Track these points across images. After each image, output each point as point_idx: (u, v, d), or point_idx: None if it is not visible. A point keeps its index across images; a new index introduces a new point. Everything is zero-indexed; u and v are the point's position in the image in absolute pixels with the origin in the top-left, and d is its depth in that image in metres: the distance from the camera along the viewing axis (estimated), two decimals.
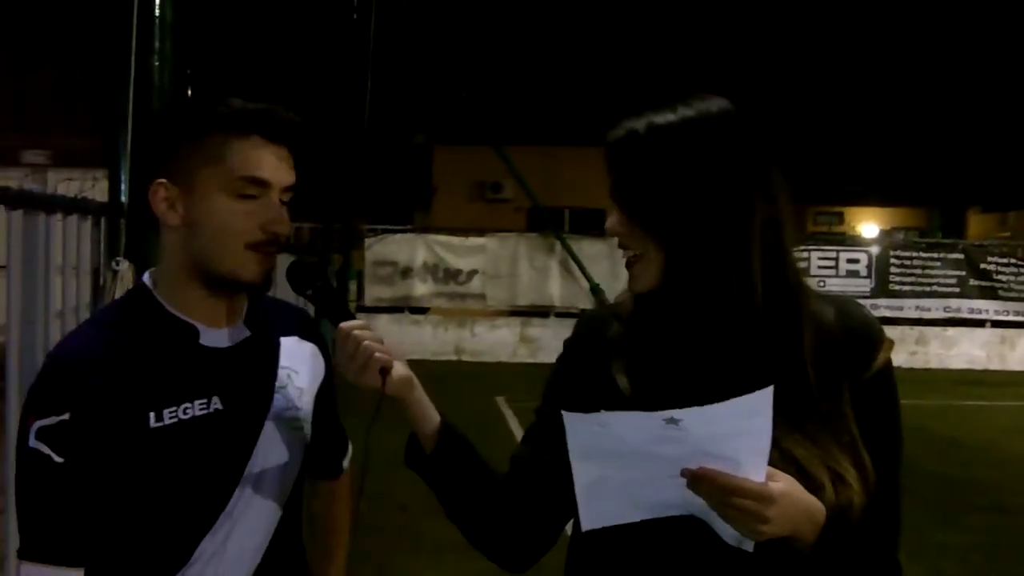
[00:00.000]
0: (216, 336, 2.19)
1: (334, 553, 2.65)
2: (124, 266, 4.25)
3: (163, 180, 2.10)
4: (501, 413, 13.09)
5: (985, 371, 19.66)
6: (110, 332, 2.13)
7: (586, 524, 1.86)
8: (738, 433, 1.73)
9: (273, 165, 2.10)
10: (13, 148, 12.00)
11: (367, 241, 19.84)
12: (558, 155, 28.91)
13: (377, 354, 2.01)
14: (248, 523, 2.19)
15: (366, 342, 2.01)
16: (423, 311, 20.00)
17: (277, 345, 2.32)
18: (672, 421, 1.71)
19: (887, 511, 1.95)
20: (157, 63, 4.68)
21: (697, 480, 1.74)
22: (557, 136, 29.81)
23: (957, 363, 20.10)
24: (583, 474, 1.82)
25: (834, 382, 1.93)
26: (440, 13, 22.83)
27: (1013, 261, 20.77)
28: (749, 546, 1.82)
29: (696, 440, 1.73)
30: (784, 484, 1.77)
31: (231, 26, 17.68)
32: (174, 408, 2.08)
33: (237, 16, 18.50)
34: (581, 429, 1.79)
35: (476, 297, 20.06)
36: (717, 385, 1.82)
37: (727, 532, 1.83)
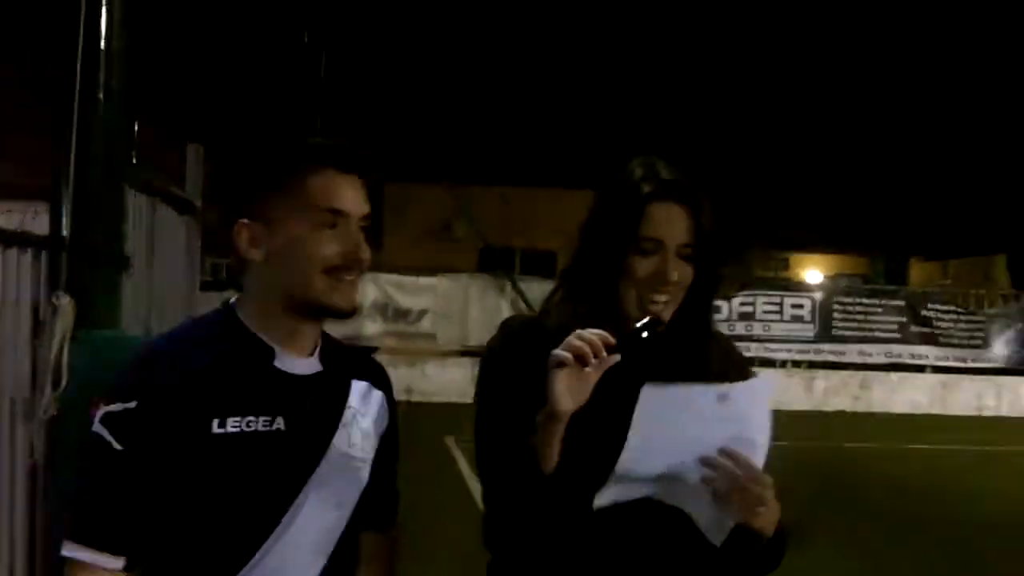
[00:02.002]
0: (291, 362, 2.27)
1: None
2: (64, 300, 4.16)
3: (244, 220, 2.21)
4: (451, 454, 13.03)
5: (927, 415, 19.84)
6: (190, 340, 2.25)
7: (602, 499, 2.09)
8: (759, 415, 2.14)
9: (350, 196, 2.21)
10: None
11: None
12: (510, 196, 29.01)
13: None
14: (298, 552, 2.21)
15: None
16: (373, 350, 19.85)
17: (348, 385, 2.38)
18: (723, 398, 2.10)
19: None
20: (102, 95, 4.59)
21: (719, 459, 2.06)
22: (509, 176, 29.93)
23: (899, 407, 20.27)
24: (637, 442, 2.06)
25: None
26: (391, 51, 22.87)
27: (953, 308, 21.20)
28: (717, 539, 2.13)
29: (738, 418, 2.10)
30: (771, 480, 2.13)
31: (178, 58, 17.59)
32: (238, 419, 2.15)
33: (185, 49, 18.40)
34: (655, 400, 2.06)
35: (426, 337, 20.01)
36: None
37: (707, 521, 2.13)
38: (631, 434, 2.06)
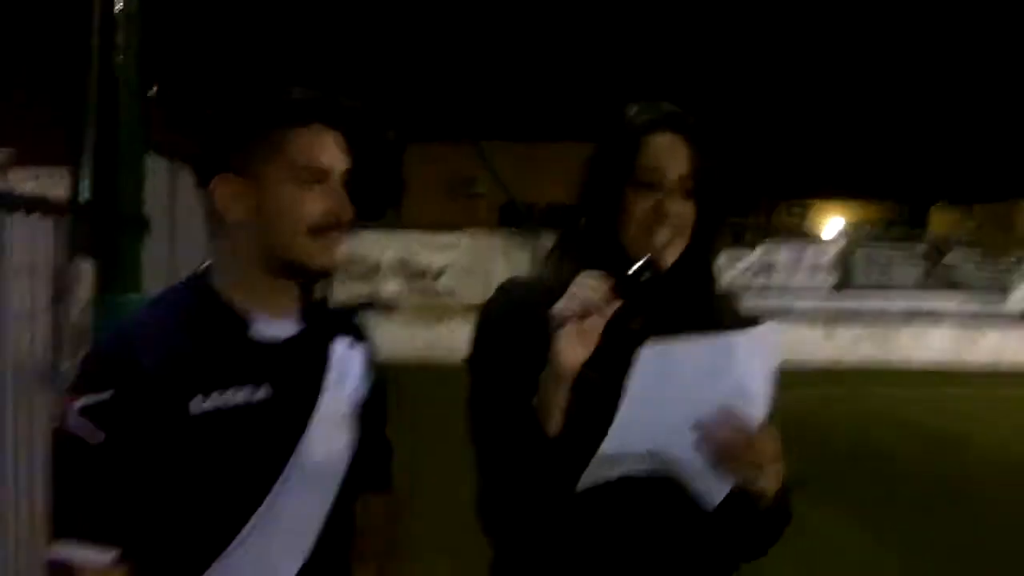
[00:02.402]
0: (269, 327, 2.19)
1: (390, 567, 2.60)
2: (86, 265, 4.18)
3: (227, 174, 2.12)
4: None
5: (949, 364, 19.73)
6: (161, 319, 2.15)
7: (587, 480, 2.00)
8: (763, 366, 2.00)
9: (333, 152, 2.15)
10: None
11: None
12: (531, 151, 28.89)
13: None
14: (291, 521, 2.18)
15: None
16: (393, 308, 19.88)
17: (329, 346, 2.32)
18: (726, 347, 1.97)
19: None
20: (121, 58, 4.59)
21: (717, 422, 1.96)
22: (531, 132, 29.80)
23: (921, 356, 20.17)
24: (632, 408, 1.94)
25: None
26: (412, 7, 22.77)
27: (977, 254, 20.87)
28: (712, 502, 2.04)
29: (736, 371, 1.97)
30: (774, 436, 2.02)
31: (197, 20, 17.55)
32: (218, 394, 2.08)
33: (203, 10, 18.36)
34: (655, 360, 1.93)
35: (447, 294, 19.99)
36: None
37: (702, 484, 2.03)
38: (620, 411, 1.94)
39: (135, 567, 2.06)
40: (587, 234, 2.23)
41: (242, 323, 2.17)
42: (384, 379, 2.48)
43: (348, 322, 2.44)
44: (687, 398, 1.97)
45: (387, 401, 2.52)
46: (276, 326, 2.21)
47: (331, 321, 2.38)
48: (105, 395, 2.02)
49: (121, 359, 2.06)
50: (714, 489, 2.03)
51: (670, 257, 2.15)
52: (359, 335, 2.44)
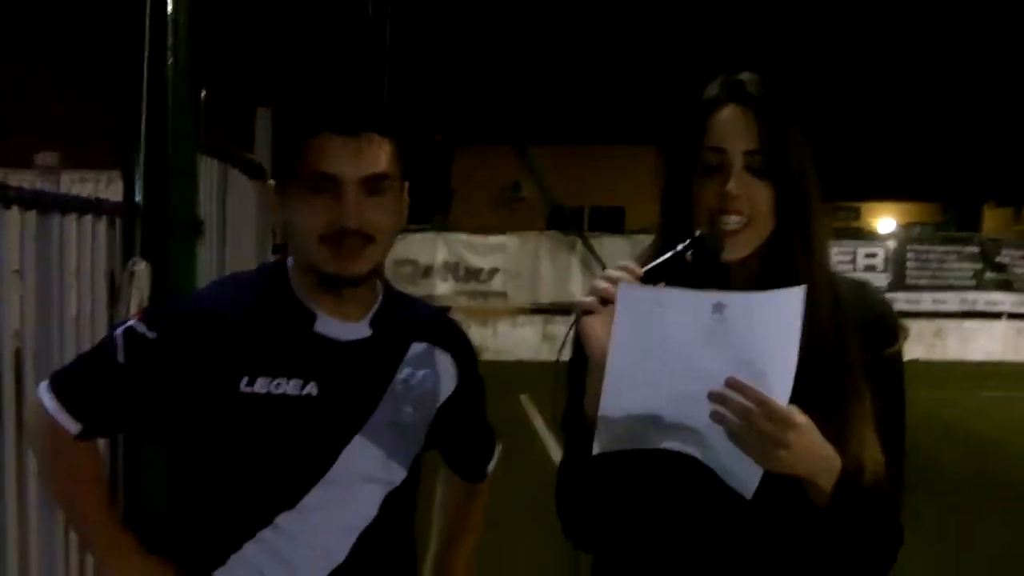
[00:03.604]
0: (333, 327, 2.21)
1: (463, 540, 2.66)
2: (141, 267, 4.20)
3: (271, 181, 2.21)
4: (524, 412, 13.02)
5: (1002, 363, 19.56)
6: (238, 291, 2.24)
7: (600, 443, 1.84)
8: (775, 335, 1.72)
9: (343, 158, 2.09)
10: (25, 149, 11.97)
11: None
12: (577, 154, 28.89)
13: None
14: (333, 516, 2.17)
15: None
16: (445, 310, 19.87)
17: (403, 349, 2.31)
18: (719, 308, 1.71)
19: (893, 482, 1.94)
20: (171, 62, 4.62)
21: (728, 392, 1.72)
22: (576, 135, 29.77)
23: (974, 356, 20.04)
24: (620, 359, 1.78)
25: (856, 356, 1.93)
26: (458, 12, 22.81)
27: None
28: (748, 492, 1.80)
29: (737, 338, 1.72)
30: (806, 418, 1.76)
31: (246, 25, 17.67)
32: (267, 380, 2.10)
33: (252, 15, 18.48)
34: (635, 306, 1.77)
35: (497, 295, 20.04)
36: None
37: (732, 473, 1.82)
38: (608, 361, 1.78)
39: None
40: (663, 231, 2.02)
41: (308, 316, 2.19)
42: (476, 379, 2.49)
43: (432, 324, 2.43)
44: (680, 360, 1.75)
45: (481, 398, 2.54)
46: (343, 328, 2.22)
47: (412, 323, 2.36)
48: (150, 334, 2.11)
49: (181, 312, 2.18)
50: (743, 470, 1.80)
51: (743, 247, 1.92)
52: (444, 337, 2.43)
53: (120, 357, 2.10)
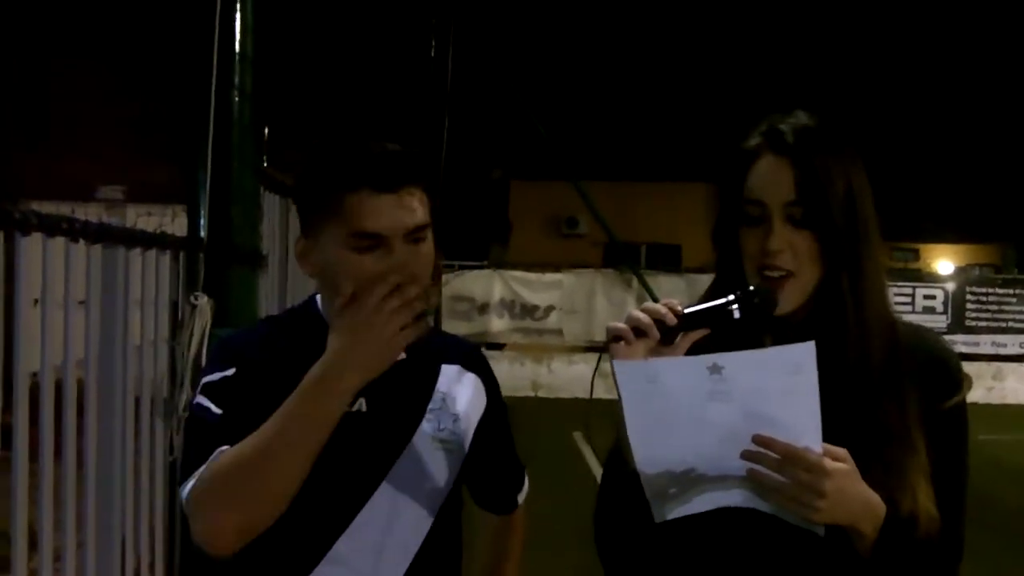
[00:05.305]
0: None
1: (503, 573, 2.62)
2: (203, 300, 4.26)
3: (301, 235, 2.20)
4: (578, 449, 12.96)
5: None
6: (274, 329, 2.31)
7: (649, 496, 1.80)
8: (785, 392, 1.67)
9: (385, 214, 2.07)
10: (90, 182, 12.14)
11: (444, 277, 19.79)
12: (634, 191, 28.87)
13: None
14: (388, 535, 2.18)
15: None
16: (500, 347, 19.99)
17: (436, 371, 2.34)
18: (716, 369, 1.67)
19: (951, 534, 1.87)
20: (237, 98, 4.70)
21: (756, 448, 1.68)
22: (633, 171, 29.75)
23: None
24: (637, 426, 1.77)
25: (911, 404, 1.87)
26: (517, 49, 22.91)
27: None
28: (820, 529, 1.75)
29: (742, 396, 1.68)
30: (842, 464, 1.70)
31: (310, 61, 17.85)
32: None
33: (316, 51, 18.67)
34: (633, 380, 1.75)
35: (553, 332, 20.04)
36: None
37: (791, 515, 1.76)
38: (627, 426, 1.77)
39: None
40: (717, 275, 2.01)
41: None
42: (502, 404, 2.48)
43: (458, 348, 2.44)
44: (694, 418, 1.72)
45: (507, 425, 2.51)
46: None
47: (440, 348, 2.38)
48: (228, 372, 2.14)
49: (239, 349, 2.21)
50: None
51: (790, 298, 1.88)
52: (472, 362, 2.43)
53: (215, 411, 2.09)
